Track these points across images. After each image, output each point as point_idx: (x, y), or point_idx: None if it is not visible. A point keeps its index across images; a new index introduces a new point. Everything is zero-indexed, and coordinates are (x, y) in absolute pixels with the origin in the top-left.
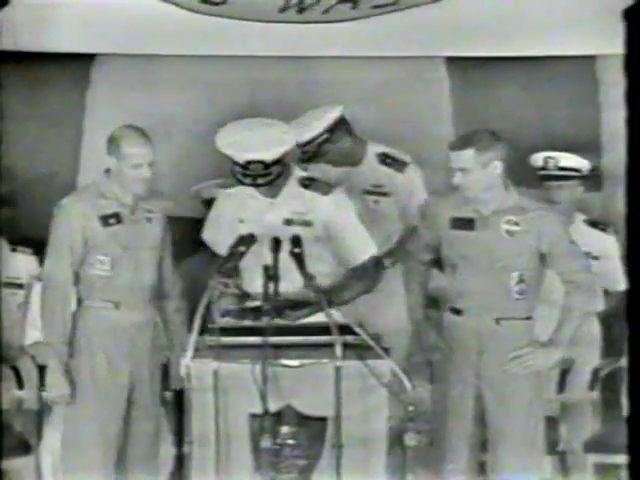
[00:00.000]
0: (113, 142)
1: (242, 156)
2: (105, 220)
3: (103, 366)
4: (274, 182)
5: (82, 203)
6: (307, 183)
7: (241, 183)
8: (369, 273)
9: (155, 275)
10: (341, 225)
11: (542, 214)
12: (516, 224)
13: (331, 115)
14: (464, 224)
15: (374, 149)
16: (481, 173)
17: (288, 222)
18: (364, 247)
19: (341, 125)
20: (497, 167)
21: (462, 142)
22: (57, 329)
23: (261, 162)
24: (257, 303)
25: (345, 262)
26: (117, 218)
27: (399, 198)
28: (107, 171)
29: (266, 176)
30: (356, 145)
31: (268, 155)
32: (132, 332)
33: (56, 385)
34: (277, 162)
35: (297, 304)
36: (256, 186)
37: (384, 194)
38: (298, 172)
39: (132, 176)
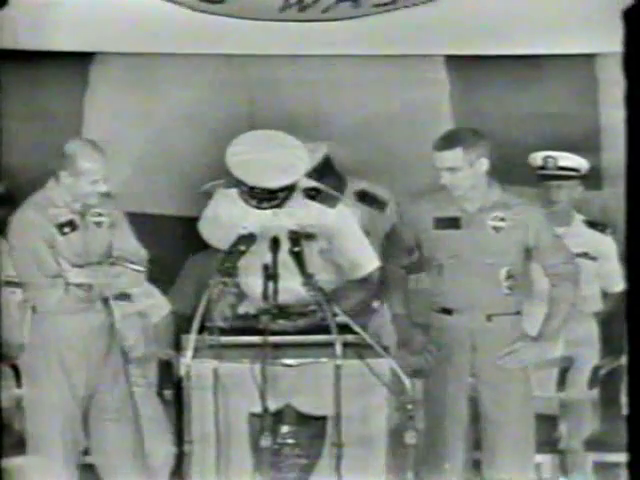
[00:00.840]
0: (68, 158)
1: (249, 180)
2: (61, 228)
3: (58, 372)
4: (280, 205)
5: (38, 213)
6: (313, 194)
7: (247, 203)
8: (370, 285)
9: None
10: (346, 238)
11: (526, 208)
12: (502, 220)
13: (317, 155)
14: (449, 223)
15: (353, 187)
16: (469, 171)
17: (292, 234)
18: (368, 260)
19: (326, 164)
20: (484, 164)
21: (448, 141)
22: None
23: (268, 189)
24: (253, 310)
25: (348, 274)
26: (72, 226)
27: (380, 237)
28: (56, 179)
29: (271, 200)
30: (337, 183)
31: (275, 184)
32: (86, 337)
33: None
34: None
35: (294, 314)
36: (260, 209)
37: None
38: (303, 181)
39: (88, 191)
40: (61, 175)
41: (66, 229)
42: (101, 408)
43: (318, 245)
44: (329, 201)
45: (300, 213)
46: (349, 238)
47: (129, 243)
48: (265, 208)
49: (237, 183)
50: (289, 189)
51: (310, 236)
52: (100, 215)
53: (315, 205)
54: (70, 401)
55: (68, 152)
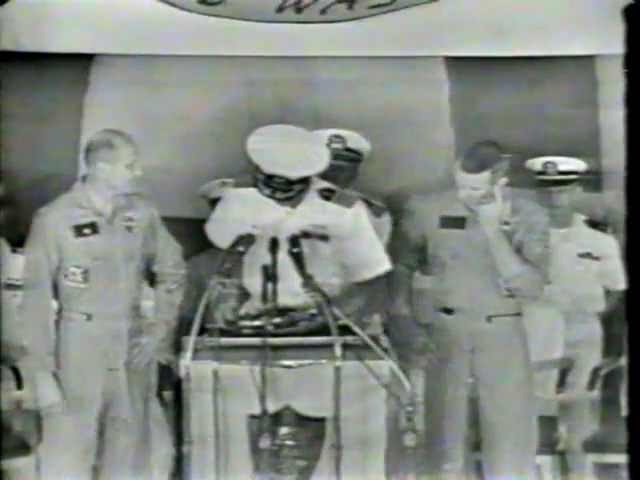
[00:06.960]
0: (99, 147)
1: (268, 168)
2: (79, 230)
3: (75, 377)
4: (293, 198)
5: (57, 212)
6: (327, 195)
7: (260, 191)
8: (375, 289)
9: (133, 286)
10: (360, 238)
11: (531, 217)
12: (506, 223)
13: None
14: (454, 222)
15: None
16: (490, 189)
17: (305, 235)
18: (379, 261)
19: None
20: (503, 180)
21: (476, 163)
22: (40, 339)
23: (285, 178)
24: (254, 311)
25: (356, 275)
26: (93, 228)
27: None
28: (84, 179)
29: (287, 192)
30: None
31: (294, 174)
32: (105, 345)
33: (46, 395)
34: (301, 180)
35: (297, 319)
36: (274, 199)
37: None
38: (317, 182)
39: (125, 177)
40: (97, 166)
41: (86, 230)
42: (113, 418)
43: (331, 248)
44: (345, 201)
45: (315, 213)
46: (363, 238)
47: (167, 250)
48: (279, 199)
49: (251, 180)
50: (304, 184)
51: (324, 237)
52: (131, 220)
53: (331, 205)
54: (88, 409)
55: (97, 142)
